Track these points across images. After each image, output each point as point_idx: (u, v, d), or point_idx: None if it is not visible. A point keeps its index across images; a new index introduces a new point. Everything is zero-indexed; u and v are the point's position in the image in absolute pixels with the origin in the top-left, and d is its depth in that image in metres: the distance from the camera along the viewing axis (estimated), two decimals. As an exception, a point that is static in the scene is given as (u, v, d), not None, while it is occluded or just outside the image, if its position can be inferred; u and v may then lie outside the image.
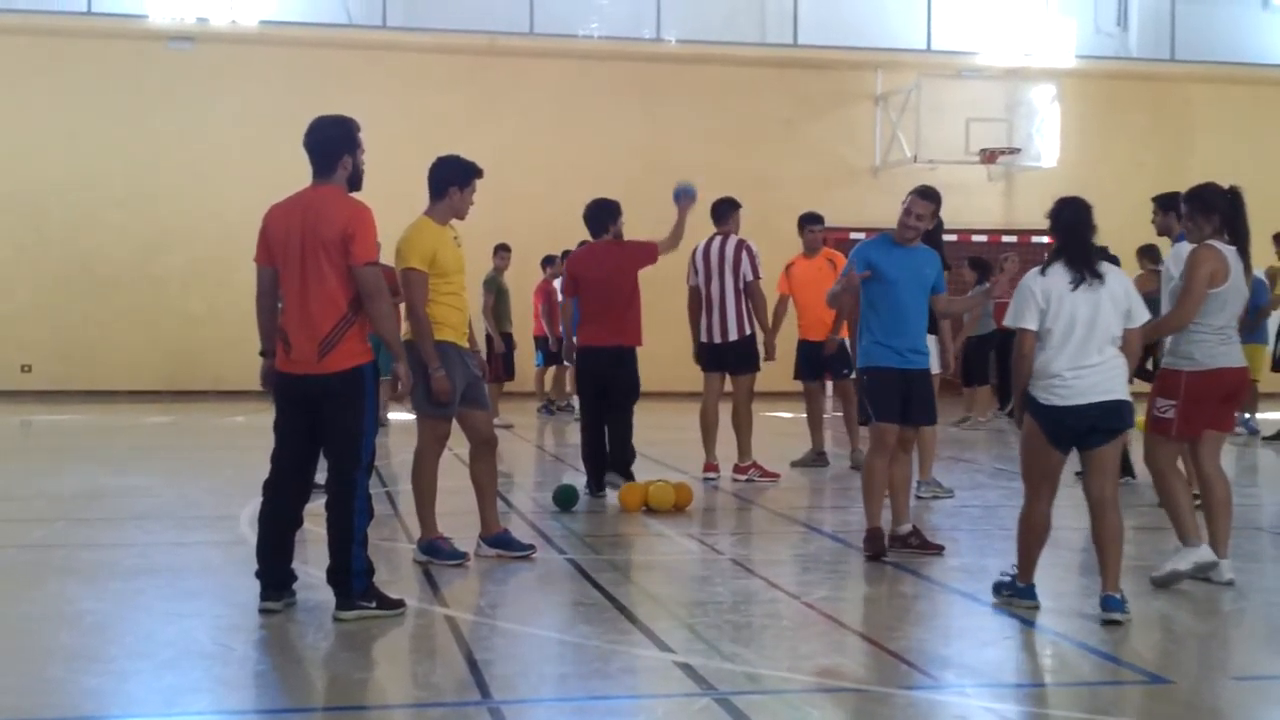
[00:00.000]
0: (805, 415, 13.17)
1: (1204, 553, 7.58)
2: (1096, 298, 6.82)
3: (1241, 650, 6.69)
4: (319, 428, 6.74)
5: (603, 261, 10.64)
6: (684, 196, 10.72)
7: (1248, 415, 16.01)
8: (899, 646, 6.35)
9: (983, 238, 22.24)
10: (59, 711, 5.34)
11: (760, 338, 11.72)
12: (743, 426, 11.68)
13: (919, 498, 10.52)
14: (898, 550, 8.47)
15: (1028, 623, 6.99)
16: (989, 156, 23.15)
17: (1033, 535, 7.07)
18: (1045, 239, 23.83)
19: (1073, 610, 7.29)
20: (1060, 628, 6.90)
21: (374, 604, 6.70)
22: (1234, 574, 7.72)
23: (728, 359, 11.68)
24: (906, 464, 8.78)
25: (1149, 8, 24.64)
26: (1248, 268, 7.68)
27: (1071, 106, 23.60)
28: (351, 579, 6.64)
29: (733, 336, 11.57)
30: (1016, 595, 7.13)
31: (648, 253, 10.72)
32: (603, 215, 10.86)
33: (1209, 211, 7.63)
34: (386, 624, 6.71)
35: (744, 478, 11.65)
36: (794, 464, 12.78)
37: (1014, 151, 23.28)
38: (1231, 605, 7.50)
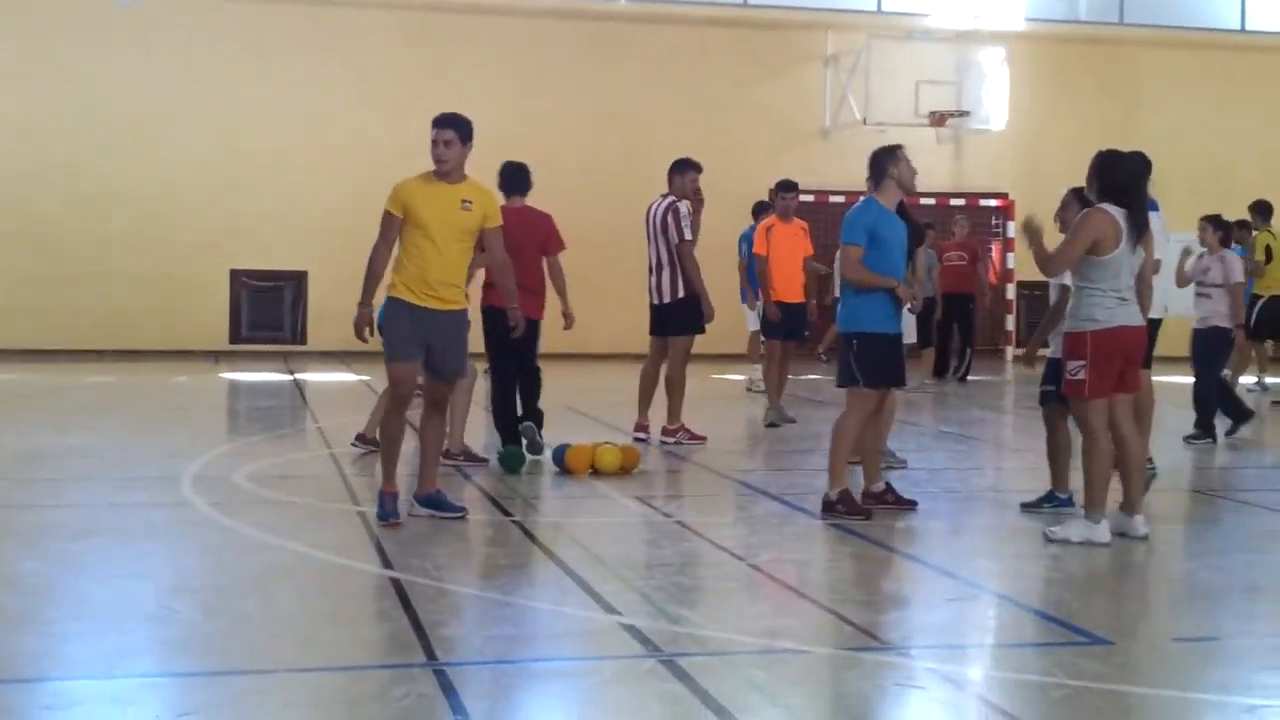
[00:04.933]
0: (765, 376, 13.35)
1: (1100, 532, 7.70)
2: None
3: (1179, 611, 6.77)
4: None
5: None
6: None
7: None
8: (845, 609, 6.38)
9: (931, 200, 22.27)
10: (-2, 674, 5.29)
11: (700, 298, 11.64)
12: (674, 389, 11.60)
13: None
14: (874, 507, 8.54)
15: (971, 584, 7.05)
16: (938, 119, 23.16)
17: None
18: (994, 202, 24.07)
19: (1016, 572, 7.36)
20: (1003, 589, 6.97)
21: None
22: (1148, 528, 7.91)
23: (666, 321, 11.65)
24: (878, 424, 8.85)
25: (1098, -29, 24.69)
26: (1143, 232, 7.85)
27: (1020, 70, 23.65)
28: None
29: (666, 299, 11.52)
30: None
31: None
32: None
33: (1094, 177, 7.91)
34: (331, 587, 6.68)
35: (671, 440, 11.61)
36: (768, 425, 12.92)
37: (963, 114, 23.30)
38: (1168, 566, 7.61)
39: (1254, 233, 15.98)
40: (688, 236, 11.43)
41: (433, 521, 8.14)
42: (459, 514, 8.27)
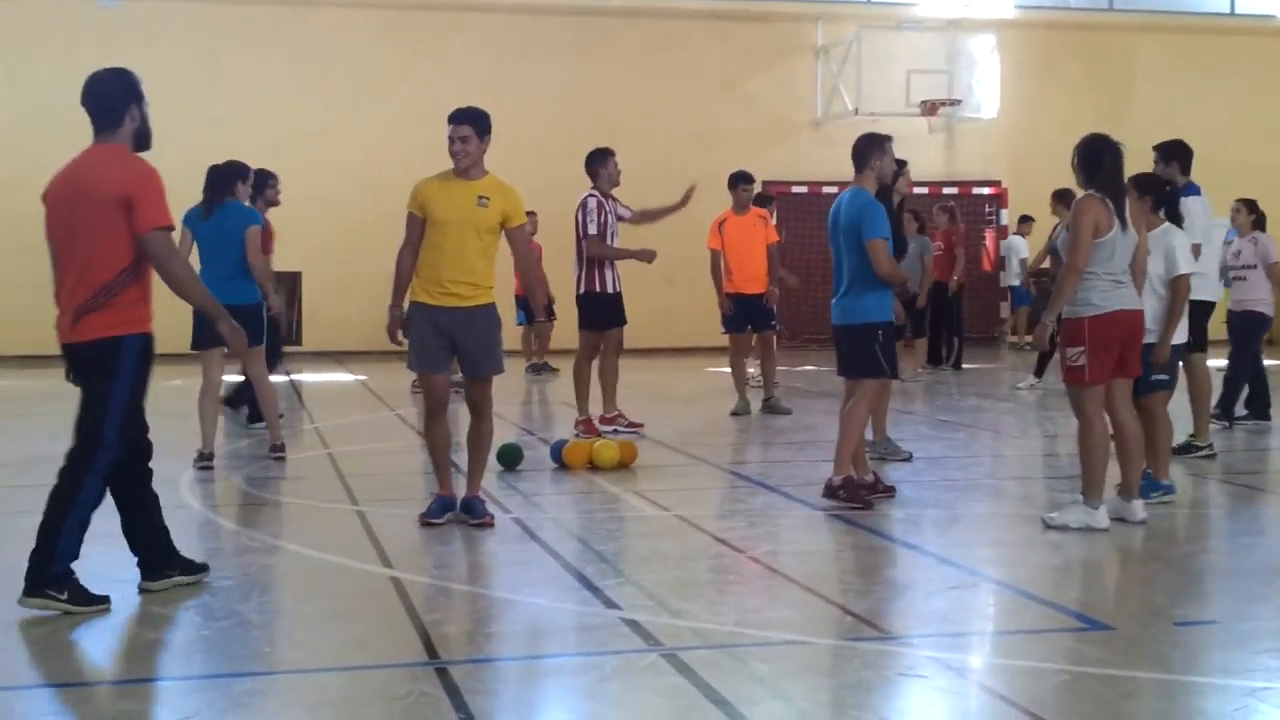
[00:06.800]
0: (731, 368, 13.46)
1: (1098, 518, 7.73)
2: None
3: (1179, 595, 6.75)
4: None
5: None
6: None
7: None
8: (845, 599, 6.38)
9: (924, 190, 22.25)
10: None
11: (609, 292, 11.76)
12: (586, 381, 11.78)
13: (875, 458, 10.51)
14: (872, 498, 8.60)
15: (971, 572, 7.05)
16: (930, 108, 23.15)
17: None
18: (987, 189, 24.05)
19: (1016, 559, 7.35)
20: (1003, 576, 6.96)
21: (64, 596, 6.09)
22: (1146, 513, 7.95)
23: (580, 315, 11.83)
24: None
25: (1086, -43, 24.70)
26: (1124, 218, 7.74)
27: (1011, 57, 23.65)
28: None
29: (580, 290, 11.68)
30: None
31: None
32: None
33: (1086, 163, 7.81)
34: (331, 587, 6.68)
35: (609, 429, 11.64)
36: (733, 413, 13.08)
37: (954, 103, 23.30)
38: (1167, 550, 7.61)
39: None
40: (591, 231, 11.46)
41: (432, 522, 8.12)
42: (482, 519, 7.99)
